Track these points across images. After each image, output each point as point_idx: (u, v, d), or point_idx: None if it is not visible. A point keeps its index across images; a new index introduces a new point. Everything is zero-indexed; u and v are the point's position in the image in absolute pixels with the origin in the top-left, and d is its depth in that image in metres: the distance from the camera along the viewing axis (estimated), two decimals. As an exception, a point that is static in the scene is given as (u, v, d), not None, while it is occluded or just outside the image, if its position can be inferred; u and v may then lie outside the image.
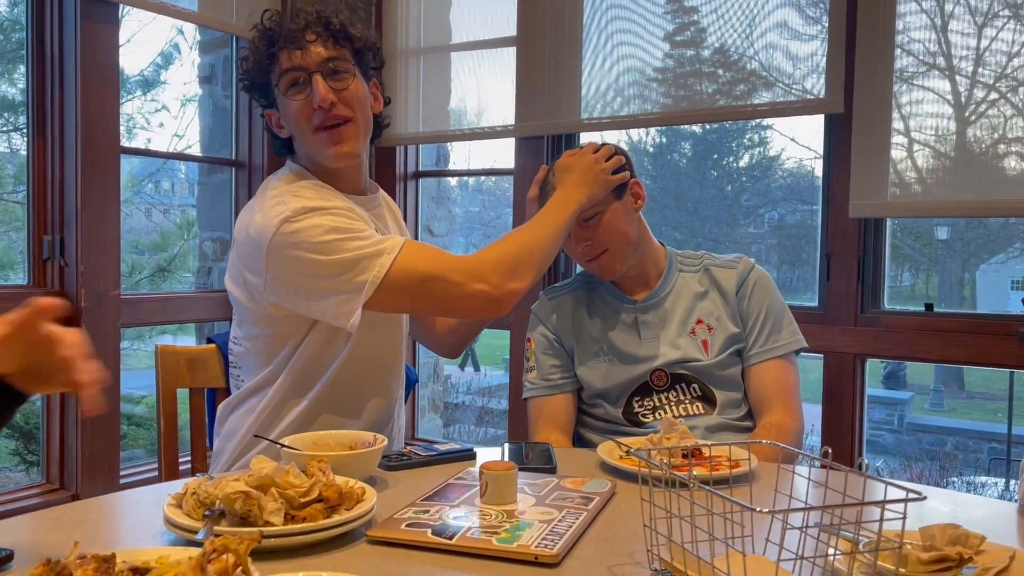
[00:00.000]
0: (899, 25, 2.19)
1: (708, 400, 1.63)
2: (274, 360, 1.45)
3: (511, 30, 2.74)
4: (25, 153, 2.33)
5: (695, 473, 1.17)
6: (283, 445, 1.22)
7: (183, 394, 1.65)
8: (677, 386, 1.63)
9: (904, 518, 0.75)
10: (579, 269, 2.63)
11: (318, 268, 1.31)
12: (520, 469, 1.17)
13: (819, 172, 2.42)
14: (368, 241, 1.33)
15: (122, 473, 2.37)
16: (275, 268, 1.34)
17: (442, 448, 1.40)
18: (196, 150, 3.64)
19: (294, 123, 1.45)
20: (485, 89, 2.91)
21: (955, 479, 7.14)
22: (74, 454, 2.23)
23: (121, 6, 2.34)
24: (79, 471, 2.22)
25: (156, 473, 2.50)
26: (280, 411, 1.44)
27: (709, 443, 1.13)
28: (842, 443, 2.28)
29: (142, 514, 1.10)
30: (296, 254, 1.32)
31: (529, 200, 1.70)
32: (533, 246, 1.42)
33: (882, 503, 0.75)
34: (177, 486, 1.04)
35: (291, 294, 1.35)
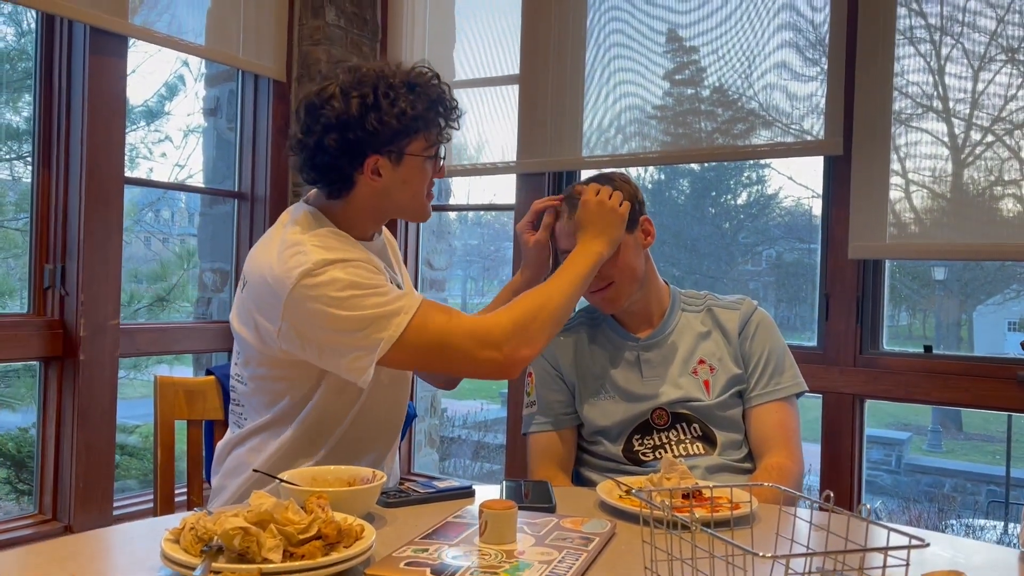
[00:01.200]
0: (897, 68, 2.22)
1: (709, 440, 1.62)
2: (279, 403, 1.44)
3: (514, 68, 2.78)
4: (27, 181, 2.34)
5: (696, 515, 1.17)
6: (282, 480, 1.21)
7: (179, 425, 1.65)
8: (678, 425, 1.63)
9: (907, 565, 0.75)
10: (580, 304, 2.64)
11: (336, 323, 1.31)
12: (519, 507, 1.16)
13: (816, 211, 2.44)
14: (387, 298, 1.33)
15: (115, 504, 2.35)
16: (292, 318, 1.33)
17: (440, 485, 1.39)
18: (197, 179, 3.66)
19: (418, 188, 1.48)
20: (487, 125, 2.94)
21: (954, 521, 7.08)
22: (68, 485, 2.21)
23: (129, 38, 2.37)
24: (72, 502, 2.20)
25: (150, 505, 2.48)
26: (289, 466, 1.43)
27: (710, 484, 1.13)
28: (841, 484, 2.27)
29: (138, 549, 1.09)
30: (315, 307, 1.31)
31: (518, 230, 1.71)
32: (551, 309, 1.42)
33: (885, 549, 0.75)
34: (174, 520, 1.03)
35: (305, 345, 1.35)
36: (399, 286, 1.55)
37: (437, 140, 1.47)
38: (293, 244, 1.36)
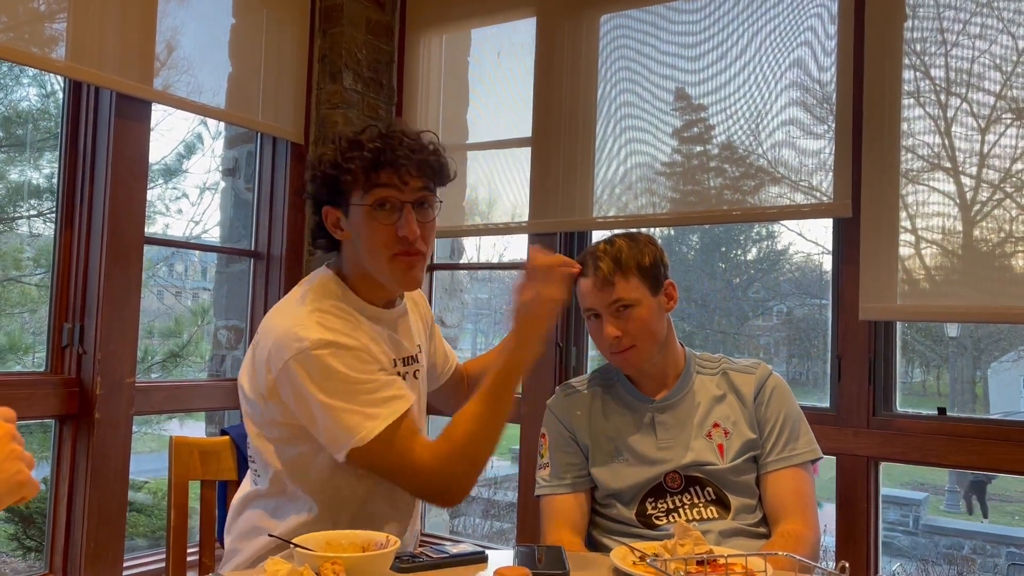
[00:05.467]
0: (904, 127, 2.25)
1: (722, 504, 1.61)
2: (287, 466, 1.45)
3: (526, 131, 2.84)
4: (46, 236, 2.40)
5: (711, 583, 1.16)
6: (296, 545, 1.21)
7: (193, 485, 1.65)
8: (691, 489, 1.62)
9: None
10: (592, 366, 2.64)
11: (319, 406, 1.36)
12: (532, 574, 1.15)
13: (827, 267, 2.45)
14: (371, 397, 1.37)
15: (125, 564, 2.33)
16: (284, 384, 1.39)
17: (453, 550, 1.39)
18: (212, 234, 3.72)
19: (371, 244, 1.44)
20: (499, 186, 2.99)
21: (974, 584, 6.92)
22: (79, 543, 2.21)
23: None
24: (83, 561, 2.19)
25: (160, 565, 2.47)
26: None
27: (725, 552, 1.12)
28: (857, 547, 2.24)
29: (152, 614, 1.08)
30: (304, 385, 1.36)
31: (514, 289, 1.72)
32: (488, 445, 1.44)
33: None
34: (189, 587, 1.03)
35: (294, 410, 1.40)
36: (414, 359, 1.57)
37: (372, 185, 1.42)
38: (299, 315, 1.41)
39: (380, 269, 1.47)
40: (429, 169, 1.46)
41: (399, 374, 1.50)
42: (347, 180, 1.43)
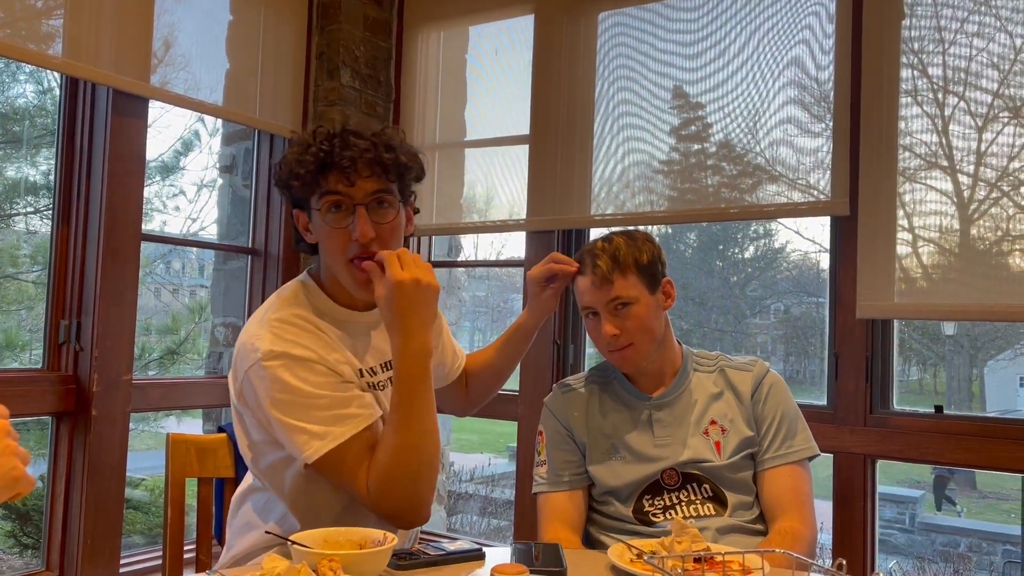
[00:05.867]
0: (901, 125, 2.25)
1: (719, 501, 1.62)
2: (271, 468, 1.44)
3: (524, 129, 2.84)
4: (42, 234, 2.39)
5: (708, 580, 1.16)
6: (293, 542, 1.21)
7: (190, 483, 1.65)
8: (688, 486, 1.62)
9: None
10: (589, 364, 2.65)
11: (271, 419, 1.35)
12: (530, 571, 1.15)
13: (823, 265, 2.45)
14: (322, 414, 1.33)
15: (122, 561, 2.33)
16: (246, 392, 1.38)
17: (450, 547, 1.39)
18: (210, 232, 3.72)
19: (328, 247, 1.41)
20: (497, 183, 2.99)
21: (970, 582, 6.94)
22: (76, 540, 2.21)
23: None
24: (79, 559, 2.19)
25: (157, 562, 2.46)
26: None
27: (722, 549, 1.13)
28: (853, 545, 2.24)
29: (149, 611, 1.08)
30: (259, 395, 1.35)
31: (529, 277, 1.71)
32: (423, 454, 1.33)
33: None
34: (186, 584, 1.03)
35: (259, 418, 1.39)
36: (372, 371, 1.49)
37: (323, 189, 1.38)
38: (260, 323, 1.39)
39: (341, 274, 1.42)
40: (381, 168, 1.39)
41: (374, 384, 1.46)
42: (298, 185, 1.40)
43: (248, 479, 1.55)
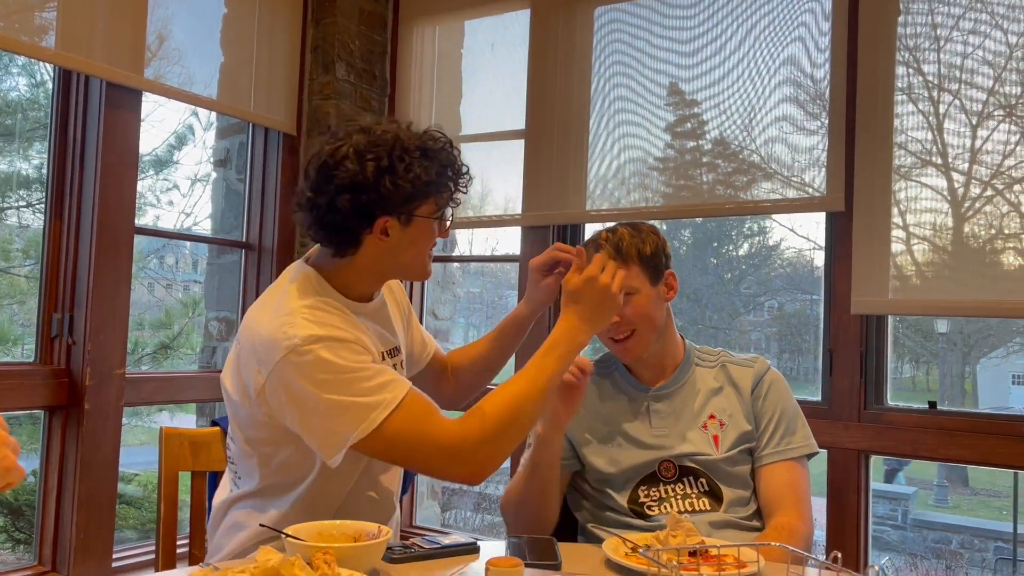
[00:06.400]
0: (896, 123, 2.26)
1: (715, 496, 1.62)
2: (270, 470, 1.43)
3: (520, 124, 2.83)
4: (35, 228, 2.38)
5: (703, 573, 1.16)
6: (287, 535, 1.21)
7: (183, 480, 1.64)
8: (685, 479, 1.63)
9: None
10: (592, 354, 2.63)
11: (316, 403, 1.32)
12: (524, 564, 1.15)
13: (818, 262, 2.46)
14: (369, 384, 1.33)
15: (114, 556, 2.33)
16: (275, 386, 1.35)
17: (445, 541, 1.39)
18: (204, 227, 3.70)
19: (422, 244, 1.49)
20: (492, 178, 2.98)
21: (962, 578, 6.96)
22: (68, 535, 2.20)
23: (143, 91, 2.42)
24: (72, 553, 2.18)
25: (150, 556, 2.46)
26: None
27: (717, 543, 1.13)
28: (847, 540, 2.25)
29: (142, 604, 1.08)
30: (298, 384, 1.32)
31: (531, 266, 1.71)
32: (528, 413, 1.39)
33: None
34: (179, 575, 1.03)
35: (284, 412, 1.36)
36: (398, 350, 1.56)
37: (446, 203, 1.49)
38: (286, 312, 1.37)
39: (416, 268, 1.52)
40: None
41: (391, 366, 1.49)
42: (427, 194, 1.45)
43: (226, 490, 1.52)
